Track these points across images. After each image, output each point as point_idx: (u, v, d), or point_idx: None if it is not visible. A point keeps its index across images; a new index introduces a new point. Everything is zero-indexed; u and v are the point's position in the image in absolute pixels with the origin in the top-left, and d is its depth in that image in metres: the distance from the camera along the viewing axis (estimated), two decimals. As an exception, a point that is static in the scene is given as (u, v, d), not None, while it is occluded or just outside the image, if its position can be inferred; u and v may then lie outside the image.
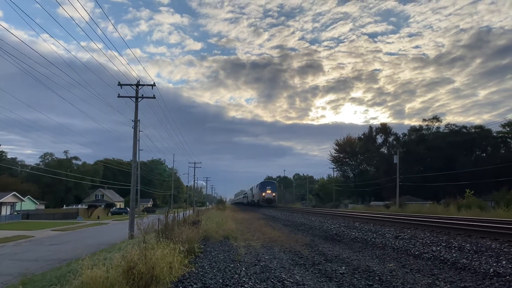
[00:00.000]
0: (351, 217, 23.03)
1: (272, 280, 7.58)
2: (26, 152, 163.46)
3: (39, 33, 73.56)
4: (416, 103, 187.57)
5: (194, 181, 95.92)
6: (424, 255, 9.99)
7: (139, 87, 26.24)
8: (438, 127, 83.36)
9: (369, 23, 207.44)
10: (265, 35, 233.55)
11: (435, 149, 74.94)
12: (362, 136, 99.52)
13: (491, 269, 7.70)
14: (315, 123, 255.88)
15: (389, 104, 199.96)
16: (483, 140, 75.52)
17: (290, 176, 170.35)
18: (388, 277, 7.66)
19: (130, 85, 26.11)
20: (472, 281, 7.14)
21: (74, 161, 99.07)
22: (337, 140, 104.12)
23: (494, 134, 75.60)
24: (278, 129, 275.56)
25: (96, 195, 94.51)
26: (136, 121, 26.47)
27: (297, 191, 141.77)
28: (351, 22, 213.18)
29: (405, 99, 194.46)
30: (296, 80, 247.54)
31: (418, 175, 68.26)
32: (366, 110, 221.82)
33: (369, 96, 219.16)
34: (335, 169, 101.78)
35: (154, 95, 26.95)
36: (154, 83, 26.60)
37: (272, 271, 8.53)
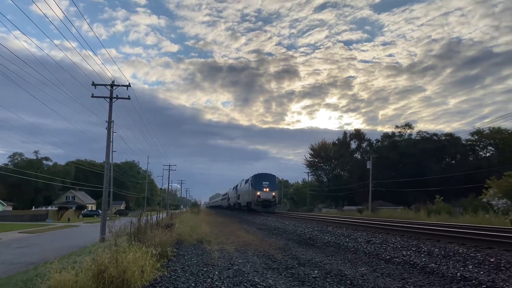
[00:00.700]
0: (325, 222, 23.26)
1: (245, 284, 7.57)
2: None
3: (11, 29, 71.38)
4: (389, 110, 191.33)
5: (168, 183, 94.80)
6: (395, 259, 10.19)
7: (114, 87, 25.79)
8: (410, 134, 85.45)
9: (345, 31, 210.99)
10: (243, 39, 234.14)
11: (407, 155, 76.71)
12: (337, 142, 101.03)
13: (458, 273, 7.93)
14: (290, 127, 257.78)
15: (363, 110, 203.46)
16: (453, 148, 77.76)
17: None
18: (360, 281, 7.78)
19: (105, 85, 25.63)
20: (440, 285, 7.33)
21: (44, 162, 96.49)
22: (312, 145, 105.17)
23: (463, 142, 78.09)
24: (254, 133, 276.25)
25: (67, 196, 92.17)
26: (110, 122, 26.01)
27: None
28: (327, 29, 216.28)
29: (379, 106, 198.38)
30: (273, 85, 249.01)
31: (391, 181, 69.63)
32: (341, 116, 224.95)
33: (343, 102, 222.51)
34: (309, 174, 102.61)
35: (129, 96, 26.54)
36: (129, 83, 26.20)
37: (245, 275, 8.52)
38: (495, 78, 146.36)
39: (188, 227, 20.93)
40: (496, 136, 74.34)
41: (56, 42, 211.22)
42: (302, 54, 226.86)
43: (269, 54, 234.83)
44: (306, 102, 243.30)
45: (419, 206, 44.39)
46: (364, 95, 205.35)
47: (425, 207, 41.89)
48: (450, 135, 79.82)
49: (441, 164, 76.59)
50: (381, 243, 12.38)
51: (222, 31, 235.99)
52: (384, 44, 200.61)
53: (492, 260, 8.20)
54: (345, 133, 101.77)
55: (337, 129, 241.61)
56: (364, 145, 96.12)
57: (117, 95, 25.92)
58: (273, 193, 45.83)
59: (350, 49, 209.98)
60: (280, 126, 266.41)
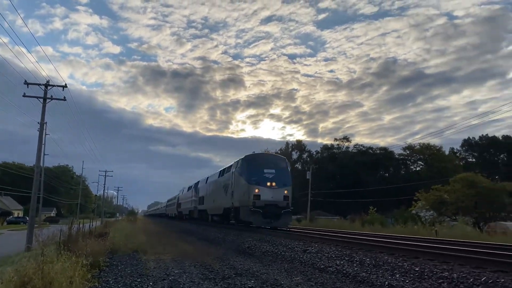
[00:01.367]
0: (264, 231, 23.46)
1: (180, 295, 7.41)
2: None
3: None
4: (329, 123, 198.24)
5: (104, 190, 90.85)
6: (329, 268, 10.49)
7: (49, 87, 24.41)
8: (347, 147, 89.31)
9: (289, 44, 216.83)
10: (188, 45, 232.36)
11: (344, 167, 79.83)
12: (279, 152, 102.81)
13: (386, 282, 8.32)
14: (235, 136, 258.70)
15: (305, 122, 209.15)
16: (387, 161, 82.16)
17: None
18: (294, 290, 7.90)
19: (39, 84, 24.16)
20: (370, 293, 7.64)
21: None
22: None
23: (396, 156, 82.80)
24: (197, 140, 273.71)
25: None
26: (42, 123, 24.53)
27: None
28: (273, 41, 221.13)
29: (319, 119, 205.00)
30: (218, 93, 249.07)
31: (329, 191, 71.92)
32: (284, 127, 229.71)
33: (286, 113, 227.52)
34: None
35: (64, 97, 25.23)
36: (65, 84, 24.91)
37: (181, 285, 8.35)
38: (426, 98, 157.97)
39: (124, 236, 20.20)
40: (425, 152, 79.79)
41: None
42: (248, 64, 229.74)
43: (215, 62, 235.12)
44: (251, 111, 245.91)
45: (354, 217, 46.20)
46: (306, 107, 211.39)
47: (360, 217, 43.67)
48: (384, 149, 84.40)
49: (376, 176, 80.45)
50: (317, 253, 12.69)
51: (167, 35, 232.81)
52: (326, 60, 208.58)
53: (417, 269, 8.69)
54: (287, 143, 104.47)
55: (280, 140, 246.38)
56: (304, 156, 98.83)
57: (51, 96, 24.54)
58: (285, 191, 24.23)
59: (294, 63, 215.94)
60: (224, 134, 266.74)
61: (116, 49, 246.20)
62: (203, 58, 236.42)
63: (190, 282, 8.79)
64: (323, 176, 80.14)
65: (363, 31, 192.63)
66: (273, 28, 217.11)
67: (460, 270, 8.10)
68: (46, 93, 24.31)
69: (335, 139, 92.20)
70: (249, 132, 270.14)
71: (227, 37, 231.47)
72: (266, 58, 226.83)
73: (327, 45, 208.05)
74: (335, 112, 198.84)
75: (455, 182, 39.15)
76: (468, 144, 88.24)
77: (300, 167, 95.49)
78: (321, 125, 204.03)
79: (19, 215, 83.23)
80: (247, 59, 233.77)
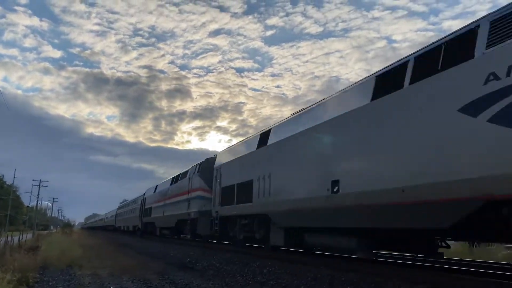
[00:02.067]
0: (207, 246, 23.24)
1: (116, 311, 7.14)
2: None
3: None
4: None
5: (37, 201, 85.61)
6: (270, 282, 10.59)
7: (-20, 89, 22.80)
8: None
9: (237, 58, 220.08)
10: (134, 53, 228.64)
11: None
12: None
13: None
14: (180, 147, 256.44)
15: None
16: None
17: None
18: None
19: (-32, 86, 22.53)
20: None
21: None
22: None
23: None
24: (140, 151, 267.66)
25: None
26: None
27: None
28: (221, 54, 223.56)
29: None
30: (164, 103, 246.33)
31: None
32: (230, 140, 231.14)
33: (233, 126, 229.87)
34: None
35: (-3, 101, 23.67)
36: (-1, 87, 23.39)
37: (117, 301, 8.05)
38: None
39: (58, 249, 19.14)
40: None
41: None
42: (195, 75, 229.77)
43: (161, 71, 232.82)
44: (197, 123, 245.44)
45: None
46: (253, 121, 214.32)
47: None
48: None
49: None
50: (259, 266, 12.78)
51: (112, 42, 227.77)
52: (273, 75, 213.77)
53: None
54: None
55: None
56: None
57: (-18, 99, 22.94)
58: None
59: (242, 76, 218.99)
60: (169, 146, 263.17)
61: (57, 54, 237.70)
62: (149, 67, 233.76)
63: (127, 297, 8.49)
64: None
65: (309, 50, 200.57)
66: (221, 41, 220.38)
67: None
68: (-24, 95, 22.72)
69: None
70: (195, 144, 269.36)
71: (175, 47, 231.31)
72: (214, 70, 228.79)
73: (274, 61, 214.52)
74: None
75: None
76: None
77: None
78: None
79: None
80: (195, 70, 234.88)
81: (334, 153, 10.40)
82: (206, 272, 13.54)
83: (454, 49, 7.32)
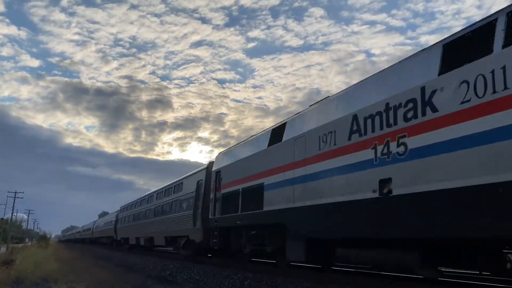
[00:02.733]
0: (186, 258, 23.00)
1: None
2: None
3: None
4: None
5: (12, 213, 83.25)
6: (250, 294, 10.54)
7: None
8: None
9: (219, 69, 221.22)
10: (114, 64, 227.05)
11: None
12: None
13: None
14: (160, 158, 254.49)
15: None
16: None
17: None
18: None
19: None
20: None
21: None
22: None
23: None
24: (120, 162, 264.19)
25: None
26: None
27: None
28: (202, 65, 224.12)
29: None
30: (144, 113, 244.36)
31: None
32: (212, 150, 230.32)
33: (215, 137, 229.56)
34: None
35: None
36: (-25, 96, 22.84)
37: (94, 316, 7.89)
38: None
39: (32, 263, 18.64)
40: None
41: None
42: (177, 86, 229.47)
43: (142, 81, 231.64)
44: (178, 134, 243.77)
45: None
46: (234, 132, 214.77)
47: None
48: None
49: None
50: (239, 279, 12.72)
51: (92, 52, 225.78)
52: (255, 86, 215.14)
53: None
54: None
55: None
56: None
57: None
58: None
59: (223, 88, 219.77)
60: (149, 156, 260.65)
61: (35, 63, 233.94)
62: (129, 77, 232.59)
63: (105, 312, 8.34)
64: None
65: (290, 62, 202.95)
66: (203, 53, 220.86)
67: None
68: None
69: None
70: (176, 154, 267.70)
71: (156, 58, 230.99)
72: (195, 81, 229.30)
73: (256, 73, 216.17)
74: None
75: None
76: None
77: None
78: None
79: None
80: (176, 81, 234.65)
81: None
82: (186, 285, 13.39)
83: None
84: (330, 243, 10.94)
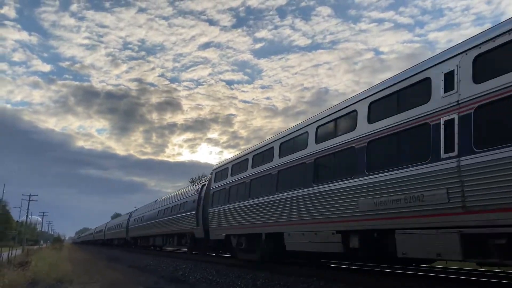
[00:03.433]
0: (199, 258, 23.10)
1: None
2: None
3: None
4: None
5: (27, 216, 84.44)
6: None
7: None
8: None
9: (227, 70, 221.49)
10: (124, 67, 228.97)
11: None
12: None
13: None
14: (171, 160, 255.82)
15: (242, 147, 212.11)
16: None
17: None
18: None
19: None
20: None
21: None
22: (192, 179, 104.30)
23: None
24: (131, 164, 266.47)
25: None
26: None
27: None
28: (211, 67, 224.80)
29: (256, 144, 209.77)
30: (154, 116, 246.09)
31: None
32: (221, 151, 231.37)
33: (224, 138, 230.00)
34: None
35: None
36: (-12, 101, 23.24)
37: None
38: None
39: (47, 265, 18.88)
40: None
41: None
42: (186, 88, 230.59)
43: (152, 84, 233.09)
44: (188, 135, 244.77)
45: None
46: (243, 132, 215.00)
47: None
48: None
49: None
50: (252, 278, 12.73)
51: (102, 56, 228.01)
52: (263, 87, 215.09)
53: None
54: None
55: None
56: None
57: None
58: None
59: (232, 89, 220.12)
60: (160, 158, 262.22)
61: (46, 68, 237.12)
62: (139, 80, 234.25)
63: (118, 312, 8.41)
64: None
65: (297, 62, 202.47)
66: (211, 54, 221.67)
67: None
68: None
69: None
70: (186, 156, 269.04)
71: (165, 60, 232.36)
72: (204, 83, 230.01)
73: (264, 73, 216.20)
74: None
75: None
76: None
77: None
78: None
79: None
80: (185, 83, 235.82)
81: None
82: (198, 285, 13.43)
83: None
84: None
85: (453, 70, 7.84)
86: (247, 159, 16.94)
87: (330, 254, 12.03)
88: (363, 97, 10.31)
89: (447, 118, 7.72)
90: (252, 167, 16.18)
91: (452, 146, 7.50)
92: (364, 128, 9.87)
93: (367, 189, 9.30)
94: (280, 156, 14.00)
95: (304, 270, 13.18)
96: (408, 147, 8.82)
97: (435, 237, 7.62)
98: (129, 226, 45.58)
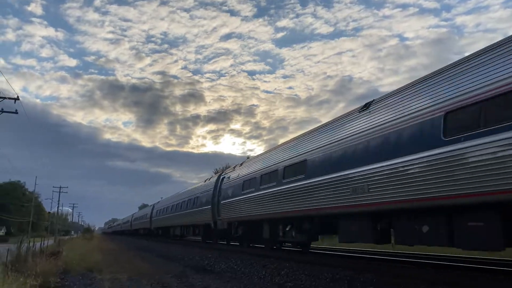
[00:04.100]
0: (222, 248, 23.36)
1: (135, 314, 7.21)
2: None
3: None
4: (288, 139, 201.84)
5: (58, 207, 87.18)
6: (287, 284, 10.56)
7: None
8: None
9: (249, 61, 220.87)
10: (147, 60, 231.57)
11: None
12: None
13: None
14: (195, 151, 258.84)
15: (265, 138, 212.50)
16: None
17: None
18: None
19: (-12, 96, 23.25)
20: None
21: None
22: (216, 169, 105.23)
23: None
24: (156, 155, 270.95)
25: None
26: (-8, 137, 23.46)
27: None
28: (232, 58, 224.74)
29: (279, 134, 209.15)
30: (178, 108, 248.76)
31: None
32: (244, 142, 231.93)
33: (247, 129, 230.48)
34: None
35: (16, 110, 24.28)
36: (17, 97, 24.02)
37: (136, 305, 8.13)
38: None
39: (78, 254, 19.45)
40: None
41: None
42: (208, 79, 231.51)
43: (175, 77, 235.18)
44: (211, 127, 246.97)
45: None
46: (266, 123, 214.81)
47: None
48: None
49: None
50: (276, 268, 12.76)
51: (126, 49, 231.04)
52: (285, 77, 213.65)
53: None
54: (248, 158, 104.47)
55: (240, 155, 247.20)
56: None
57: (2, 109, 23.63)
58: None
59: (254, 79, 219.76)
60: (185, 150, 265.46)
61: (72, 62, 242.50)
62: (162, 73, 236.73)
63: (146, 301, 8.58)
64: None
65: (320, 50, 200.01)
66: (232, 45, 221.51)
67: None
68: (-3, 105, 23.41)
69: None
70: (210, 147, 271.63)
71: (187, 53, 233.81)
72: (226, 74, 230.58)
73: (286, 63, 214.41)
74: (294, 128, 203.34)
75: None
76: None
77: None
78: (281, 140, 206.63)
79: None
80: (207, 75, 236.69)
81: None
82: (224, 274, 13.57)
83: None
84: None
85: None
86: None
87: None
88: None
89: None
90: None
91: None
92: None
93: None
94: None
95: (330, 260, 13.12)
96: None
97: None
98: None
